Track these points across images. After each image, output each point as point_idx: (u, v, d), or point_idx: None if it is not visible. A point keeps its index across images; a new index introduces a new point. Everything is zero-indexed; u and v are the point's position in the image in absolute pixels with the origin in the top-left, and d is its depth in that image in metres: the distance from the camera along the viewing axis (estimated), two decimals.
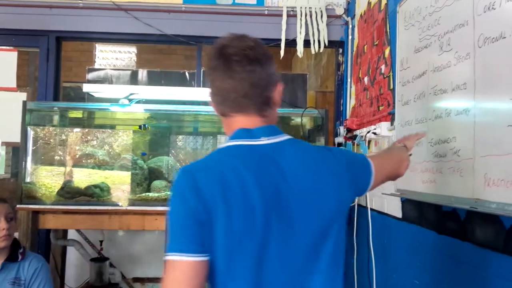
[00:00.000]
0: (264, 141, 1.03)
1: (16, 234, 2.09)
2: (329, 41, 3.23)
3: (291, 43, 3.23)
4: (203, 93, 3.20)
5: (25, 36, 3.28)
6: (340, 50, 3.34)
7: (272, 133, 1.06)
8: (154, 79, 3.64)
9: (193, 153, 3.32)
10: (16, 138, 3.12)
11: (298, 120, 2.85)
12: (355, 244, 2.52)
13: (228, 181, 0.96)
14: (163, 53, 6.25)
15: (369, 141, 2.38)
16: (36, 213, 2.58)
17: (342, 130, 2.88)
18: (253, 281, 0.96)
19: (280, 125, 3.14)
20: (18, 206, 2.51)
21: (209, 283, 0.98)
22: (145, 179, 2.96)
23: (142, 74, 3.62)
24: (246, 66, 1.02)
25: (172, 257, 0.91)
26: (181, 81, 3.63)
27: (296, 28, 3.21)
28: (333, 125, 3.20)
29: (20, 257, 1.99)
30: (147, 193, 2.84)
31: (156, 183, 2.92)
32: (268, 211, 0.96)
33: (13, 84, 3.24)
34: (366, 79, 2.71)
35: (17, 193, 2.67)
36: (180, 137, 3.54)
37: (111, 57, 6.60)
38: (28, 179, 2.77)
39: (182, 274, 0.92)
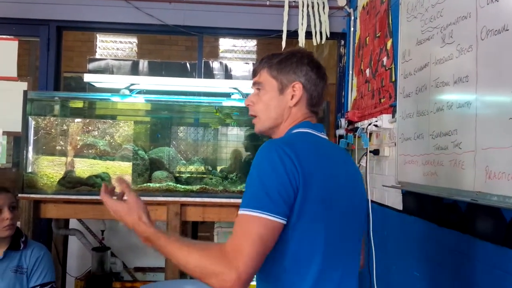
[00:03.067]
0: (324, 135, 1.22)
1: (18, 223, 2.10)
2: (331, 33, 3.22)
3: (292, 35, 3.22)
4: (204, 84, 3.20)
5: (26, 26, 3.27)
6: (342, 42, 3.33)
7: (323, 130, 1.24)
8: (155, 70, 3.64)
9: (193, 144, 3.32)
10: (17, 127, 3.12)
11: None
12: None
13: (323, 162, 1.10)
14: (164, 44, 6.21)
15: (370, 134, 2.39)
16: (37, 202, 2.59)
17: (343, 122, 2.88)
18: (324, 249, 1.06)
19: None
20: (19, 195, 2.52)
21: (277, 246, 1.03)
22: (146, 169, 2.96)
23: (143, 64, 3.62)
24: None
25: (262, 214, 0.98)
26: (182, 72, 3.63)
27: (298, 20, 3.20)
28: (334, 117, 3.20)
29: (22, 245, 2.00)
30: (148, 184, 2.85)
31: (157, 173, 2.92)
32: (350, 205, 1.14)
33: (14, 73, 3.23)
34: (367, 71, 2.70)
35: (18, 182, 2.68)
36: (181, 128, 3.54)
37: (112, 47, 6.57)
38: (29, 169, 2.78)
39: (269, 233, 0.98)
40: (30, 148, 2.80)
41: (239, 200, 2.65)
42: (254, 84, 1.27)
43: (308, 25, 3.20)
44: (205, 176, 3.09)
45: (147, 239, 1.12)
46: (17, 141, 3.28)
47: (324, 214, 1.06)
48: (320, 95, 1.23)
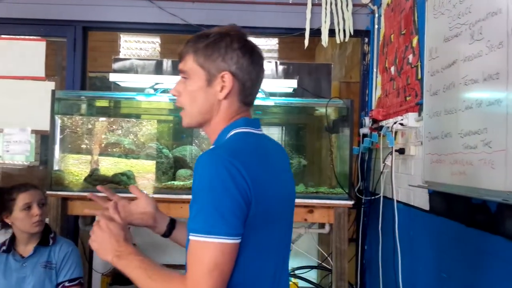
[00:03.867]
0: (261, 131, 1.14)
1: (46, 220, 2.15)
2: (354, 30, 3.19)
3: (315, 33, 3.20)
4: None
5: (53, 26, 3.34)
6: (366, 40, 3.29)
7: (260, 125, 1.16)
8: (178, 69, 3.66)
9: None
10: (45, 126, 3.20)
11: (322, 110, 2.83)
12: (380, 235, 2.51)
13: (266, 164, 1.05)
14: None
15: (396, 132, 2.35)
16: (65, 199, 2.64)
17: (367, 121, 2.85)
18: (277, 256, 1.07)
19: (304, 115, 3.11)
20: (48, 192, 2.57)
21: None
22: (170, 167, 2.99)
23: (167, 64, 3.65)
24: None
25: (218, 239, 0.91)
26: None
27: (321, 17, 3.18)
28: (358, 116, 3.17)
29: (51, 241, 2.05)
30: (173, 182, 2.88)
31: (182, 171, 2.95)
32: (289, 196, 1.15)
33: (41, 73, 3.31)
34: (392, 69, 2.67)
35: (46, 180, 2.74)
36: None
37: (135, 47, 6.66)
38: (56, 167, 2.84)
39: (226, 257, 0.93)
40: (57, 147, 2.86)
41: None
42: (180, 71, 1.13)
43: (331, 23, 3.17)
44: None
45: (121, 259, 1.07)
46: (44, 139, 3.36)
47: (273, 221, 1.04)
48: (254, 84, 1.11)
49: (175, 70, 3.63)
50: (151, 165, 2.98)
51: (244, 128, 1.08)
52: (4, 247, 2.02)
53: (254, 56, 1.09)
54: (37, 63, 3.33)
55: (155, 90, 3.00)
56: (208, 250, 0.91)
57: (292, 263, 2.94)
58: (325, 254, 2.87)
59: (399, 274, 2.15)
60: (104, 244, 1.10)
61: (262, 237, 1.00)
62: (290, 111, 3.17)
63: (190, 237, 0.94)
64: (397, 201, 2.26)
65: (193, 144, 3.32)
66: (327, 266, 2.85)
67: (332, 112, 2.83)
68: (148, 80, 3.04)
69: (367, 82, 3.23)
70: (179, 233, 1.34)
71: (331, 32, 3.18)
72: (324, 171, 3.08)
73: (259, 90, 1.16)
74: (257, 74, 1.11)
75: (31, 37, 3.37)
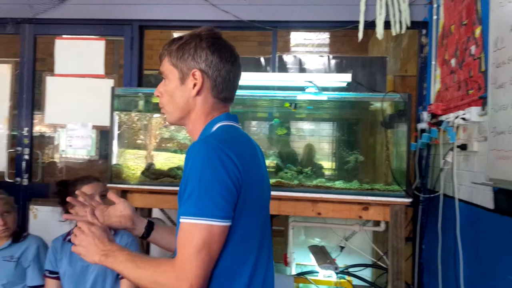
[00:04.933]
0: (240, 126, 1.21)
1: None
2: (411, 22, 3.08)
3: (369, 25, 3.12)
4: (279, 78, 3.21)
5: (111, 26, 3.48)
6: (424, 31, 3.17)
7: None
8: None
9: (267, 138, 3.34)
10: (104, 122, 3.34)
11: (377, 105, 2.76)
12: (439, 234, 2.41)
13: (249, 150, 1.12)
14: (236, 40, 6.28)
15: (457, 127, 2.25)
16: (124, 192, 2.75)
17: (425, 115, 2.74)
18: (253, 240, 1.09)
19: (357, 110, 3.04)
20: (108, 185, 2.69)
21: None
22: None
23: None
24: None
25: (208, 221, 0.96)
26: (255, 67, 3.65)
27: (376, 9, 3.09)
28: (415, 111, 3.07)
29: (113, 232, 2.13)
30: None
31: None
32: (267, 187, 1.20)
33: (101, 71, 3.46)
34: (453, 61, 2.55)
35: (106, 173, 2.86)
36: (254, 122, 3.58)
37: None
38: (115, 161, 2.95)
39: (215, 239, 0.98)
40: (115, 142, 2.97)
41: (315, 195, 2.63)
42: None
43: (387, 15, 3.08)
44: (279, 170, 3.10)
45: (108, 257, 1.11)
46: (104, 134, 3.51)
47: (258, 209, 1.10)
48: (226, 80, 1.15)
49: None
50: None
51: (227, 122, 1.16)
52: (69, 237, 2.13)
53: (224, 54, 1.15)
54: (97, 61, 3.48)
55: None
56: (197, 232, 0.96)
57: (346, 261, 2.90)
58: (381, 252, 2.80)
59: (460, 275, 2.06)
60: (90, 247, 1.15)
61: (247, 223, 1.05)
62: (344, 106, 3.12)
63: (181, 220, 0.99)
64: (459, 200, 2.17)
65: None
66: (382, 264, 2.78)
67: (388, 106, 2.75)
68: None
69: (424, 75, 3.11)
70: (157, 235, 1.38)
71: (386, 24, 3.09)
72: (379, 167, 3.00)
73: (237, 86, 1.22)
74: (228, 71, 1.16)
75: (91, 36, 3.52)
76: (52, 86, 3.51)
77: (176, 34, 6.45)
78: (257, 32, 3.78)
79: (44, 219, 3.38)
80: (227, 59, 1.16)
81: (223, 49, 1.16)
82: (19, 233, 2.28)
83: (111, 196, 1.38)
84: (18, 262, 2.21)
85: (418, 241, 2.93)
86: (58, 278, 2.06)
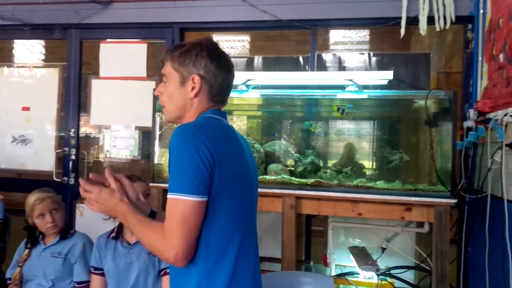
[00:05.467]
0: (226, 121, 1.33)
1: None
2: (456, 17, 2.97)
3: (411, 21, 3.04)
4: (319, 76, 3.17)
5: (153, 29, 3.56)
6: (469, 26, 3.04)
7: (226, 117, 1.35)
8: (268, 65, 3.70)
9: (307, 138, 3.32)
10: (147, 123, 3.43)
11: (420, 103, 2.68)
12: (487, 237, 2.31)
13: (227, 138, 1.24)
14: (275, 40, 6.32)
15: (506, 125, 2.15)
16: (165, 191, 2.80)
17: (472, 113, 2.64)
18: (238, 220, 1.21)
19: (399, 108, 2.96)
20: (151, 184, 2.75)
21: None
22: (261, 162, 3.04)
23: (258, 60, 3.71)
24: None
25: (182, 196, 1.11)
26: (294, 66, 3.64)
27: (419, 4, 3.00)
28: (461, 108, 2.95)
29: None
30: (264, 176, 2.91)
31: (273, 166, 2.98)
32: (252, 169, 1.32)
33: (143, 73, 3.55)
34: (501, 56, 2.44)
35: (148, 173, 2.93)
36: (295, 122, 3.56)
37: (226, 46, 6.87)
38: (156, 161, 3.02)
39: (191, 212, 1.11)
40: (156, 142, 3.04)
41: (354, 195, 2.60)
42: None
43: (430, 10, 2.98)
44: (318, 169, 3.08)
45: (123, 216, 1.23)
46: (146, 135, 3.60)
47: (238, 189, 1.21)
48: (221, 86, 1.30)
49: (265, 66, 3.67)
50: None
51: (213, 115, 1.28)
52: (113, 234, 2.20)
53: (221, 63, 1.29)
54: (139, 64, 3.57)
55: (247, 86, 3.06)
56: (176, 206, 1.12)
57: (388, 262, 2.83)
58: (424, 254, 2.72)
59: (510, 280, 1.97)
60: (105, 206, 1.26)
61: (229, 203, 1.18)
62: (385, 104, 3.05)
63: (167, 196, 1.14)
64: (508, 201, 2.07)
65: (281, 139, 3.33)
66: (426, 267, 2.70)
67: (432, 104, 2.67)
68: (240, 76, 3.11)
69: (470, 71, 2.99)
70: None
71: (430, 20, 2.99)
72: (422, 167, 2.91)
73: (230, 91, 1.35)
74: (224, 78, 1.30)
75: (134, 40, 3.62)
76: (97, 88, 3.64)
77: (215, 36, 6.54)
78: (295, 31, 3.77)
79: (89, 217, 3.51)
80: (224, 68, 1.30)
81: (220, 58, 1.30)
82: (66, 230, 2.37)
83: (108, 175, 1.34)
84: (66, 258, 2.30)
85: (463, 244, 2.82)
86: (103, 275, 2.13)
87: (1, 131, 3.82)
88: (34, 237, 2.35)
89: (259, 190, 2.69)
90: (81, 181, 1.27)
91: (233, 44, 6.88)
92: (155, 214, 1.44)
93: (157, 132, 3.05)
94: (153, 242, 1.15)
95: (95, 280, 2.15)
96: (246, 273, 1.23)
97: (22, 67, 3.87)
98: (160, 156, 3.06)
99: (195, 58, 1.27)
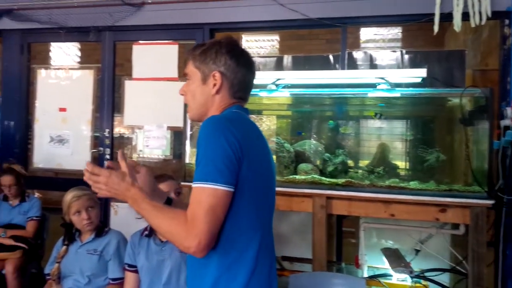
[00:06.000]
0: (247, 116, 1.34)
1: None
2: (492, 12, 2.87)
3: (445, 18, 2.96)
4: (350, 75, 3.14)
5: (183, 30, 3.61)
6: (507, 22, 2.94)
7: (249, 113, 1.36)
8: (298, 64, 3.68)
9: (337, 137, 3.29)
10: (178, 123, 3.48)
11: (455, 101, 2.61)
12: None
13: (253, 134, 1.26)
14: (304, 39, 6.29)
15: None
16: None
17: (509, 112, 2.55)
18: (260, 215, 1.23)
19: (433, 106, 2.88)
20: (182, 183, 2.79)
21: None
22: (291, 162, 3.03)
23: (287, 60, 3.69)
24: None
25: (211, 185, 1.10)
26: (324, 65, 3.61)
27: (453, 0, 2.92)
28: (498, 107, 2.86)
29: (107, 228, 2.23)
30: (294, 175, 2.91)
31: (303, 166, 2.97)
32: (273, 167, 1.34)
33: (175, 74, 3.60)
34: None
35: (180, 172, 2.97)
36: (322, 121, 3.54)
37: (255, 46, 6.89)
38: (187, 160, 3.06)
39: (219, 201, 1.11)
40: (188, 142, 3.08)
41: (387, 195, 2.56)
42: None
43: (465, 5, 2.90)
44: (349, 169, 3.04)
45: (135, 201, 1.21)
46: (177, 135, 3.66)
47: (261, 184, 1.22)
48: (242, 82, 1.31)
49: (295, 65, 3.66)
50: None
51: (237, 110, 1.29)
52: (146, 232, 2.24)
53: (241, 60, 1.31)
54: (170, 65, 3.63)
55: (277, 85, 3.06)
56: (204, 194, 1.10)
57: (422, 265, 2.77)
58: (460, 257, 2.65)
59: None
60: (116, 189, 1.24)
61: (251, 197, 1.18)
62: (418, 103, 2.99)
63: (192, 185, 1.14)
64: None
65: (311, 139, 3.32)
66: (461, 270, 2.62)
67: (467, 102, 2.59)
68: (269, 76, 3.11)
69: (508, 68, 2.89)
70: None
71: (465, 16, 2.91)
72: (458, 167, 2.83)
73: (251, 88, 1.36)
74: (244, 74, 1.31)
75: (165, 41, 3.68)
76: (130, 89, 3.72)
77: (245, 36, 6.57)
78: (325, 29, 3.74)
79: (123, 215, 3.59)
80: (243, 64, 1.31)
81: (240, 55, 1.32)
82: (101, 228, 2.43)
83: (121, 158, 1.32)
84: (101, 256, 2.36)
85: (501, 246, 2.73)
86: (136, 271, 2.17)
87: (39, 131, 3.96)
88: (71, 234, 2.42)
89: (289, 189, 2.72)
90: (88, 164, 1.25)
91: (263, 44, 6.89)
92: (171, 201, 1.43)
93: (188, 132, 3.08)
94: (173, 229, 1.13)
95: (129, 277, 2.19)
96: (264, 268, 1.22)
97: (59, 69, 4.00)
98: (191, 155, 3.10)
99: (215, 55, 1.29)
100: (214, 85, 1.29)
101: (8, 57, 4.02)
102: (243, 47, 1.36)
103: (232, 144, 1.13)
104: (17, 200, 3.28)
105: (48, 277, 2.38)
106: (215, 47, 1.30)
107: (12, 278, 2.96)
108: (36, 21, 3.80)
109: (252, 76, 1.36)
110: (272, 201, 1.34)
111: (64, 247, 2.39)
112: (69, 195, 2.38)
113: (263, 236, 1.22)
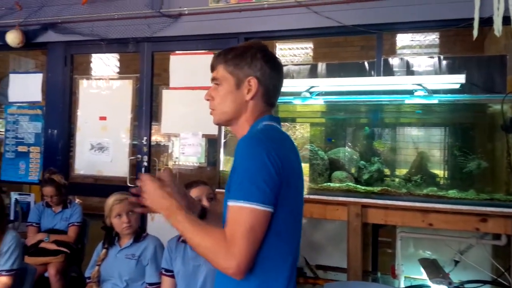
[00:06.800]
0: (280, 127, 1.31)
1: None
2: None
3: (485, 22, 2.88)
4: (386, 82, 3.10)
5: (218, 40, 3.68)
6: None
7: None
8: (332, 72, 3.67)
9: (371, 144, 3.25)
10: (213, 131, 3.53)
11: (496, 107, 2.53)
12: None
13: (288, 147, 1.24)
14: (339, 46, 6.25)
15: None
16: None
17: None
18: (295, 236, 1.22)
19: (472, 113, 2.80)
20: (217, 190, 2.82)
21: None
22: (326, 169, 3.02)
23: (321, 67, 3.69)
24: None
25: (252, 205, 1.08)
26: (359, 72, 3.58)
27: (493, 4, 2.84)
28: None
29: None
30: (328, 183, 2.89)
31: (337, 173, 2.95)
32: (301, 187, 1.28)
33: (210, 83, 3.66)
34: None
35: (214, 178, 3.01)
36: (357, 128, 3.50)
37: (289, 54, 6.90)
38: (221, 167, 3.09)
39: (260, 222, 1.10)
40: (221, 149, 3.11)
41: (424, 204, 2.50)
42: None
43: (506, 9, 2.81)
44: (385, 177, 2.99)
45: (171, 213, 1.19)
46: (211, 143, 3.71)
47: (296, 200, 1.20)
48: (275, 88, 1.30)
49: (329, 73, 3.64)
50: (305, 166, 3.04)
51: (271, 122, 1.27)
52: (182, 238, 2.28)
53: (275, 64, 1.29)
54: (206, 74, 3.68)
55: (311, 93, 3.06)
56: (244, 214, 1.08)
57: (461, 276, 2.68)
58: (502, 269, 2.55)
59: None
60: (155, 201, 1.25)
61: (289, 215, 1.17)
62: (457, 109, 2.91)
63: (230, 203, 1.11)
64: None
65: (346, 147, 3.29)
66: (504, 282, 2.52)
67: (509, 109, 2.51)
68: (303, 83, 3.11)
69: None
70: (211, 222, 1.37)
71: (506, 20, 2.82)
72: (499, 175, 2.73)
73: (280, 93, 1.33)
74: (278, 79, 1.30)
75: (201, 51, 3.75)
76: (167, 98, 3.81)
77: (279, 44, 6.60)
78: (360, 36, 3.72)
79: (160, 221, 3.66)
80: (277, 69, 1.30)
81: (273, 60, 1.30)
82: (139, 233, 2.50)
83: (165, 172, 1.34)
84: (139, 260, 2.42)
85: None
86: (173, 276, 2.22)
87: (81, 139, 4.11)
88: (111, 237, 2.50)
89: (323, 197, 2.70)
90: (142, 175, 1.27)
91: (296, 52, 6.90)
92: (206, 211, 1.42)
93: (222, 140, 3.12)
94: (211, 247, 1.11)
95: (166, 282, 2.23)
96: (292, 284, 1.20)
97: (99, 79, 4.15)
98: (225, 163, 3.14)
99: (250, 60, 1.25)
100: (249, 90, 1.25)
101: (52, 68, 4.21)
102: (272, 52, 1.33)
103: (274, 163, 1.11)
104: (59, 207, 3.41)
105: (88, 280, 2.46)
106: (249, 51, 1.27)
107: (55, 280, 3.07)
108: (79, 33, 3.97)
109: (282, 81, 1.34)
110: (302, 213, 1.31)
111: (104, 250, 2.47)
112: (112, 199, 2.47)
113: (296, 251, 1.21)
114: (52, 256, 3.15)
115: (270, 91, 1.28)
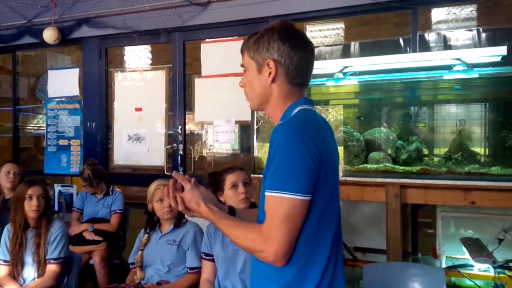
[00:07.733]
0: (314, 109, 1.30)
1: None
2: None
3: None
4: (422, 58, 3.00)
5: (248, 25, 3.66)
6: None
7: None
8: (366, 50, 3.60)
9: (408, 123, 3.16)
10: (246, 117, 3.53)
11: None
12: None
13: (326, 133, 1.23)
14: (371, 24, 6.08)
15: None
16: None
17: None
18: (336, 223, 1.23)
19: None
20: (252, 175, 2.84)
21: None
22: (362, 150, 2.97)
23: (354, 47, 3.62)
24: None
25: (290, 195, 1.09)
26: (394, 49, 3.49)
27: None
28: None
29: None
30: (365, 164, 2.85)
31: (374, 154, 2.90)
32: (337, 169, 1.28)
33: (241, 69, 3.65)
34: None
35: (249, 164, 3.03)
36: (393, 107, 3.42)
37: (319, 35, 6.78)
38: (255, 153, 3.10)
39: (297, 211, 1.11)
40: (255, 135, 3.12)
41: (466, 182, 2.42)
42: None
43: None
44: (424, 156, 2.92)
45: (210, 217, 1.24)
46: (243, 129, 3.72)
47: (333, 185, 1.20)
48: (298, 66, 1.25)
49: (362, 52, 3.57)
50: (340, 149, 3.00)
51: (305, 106, 1.25)
52: None
53: (296, 43, 1.25)
54: (237, 60, 3.68)
55: (344, 74, 3.00)
56: (282, 204, 1.10)
57: (506, 255, 2.60)
58: None
59: None
60: (192, 198, 1.29)
61: (325, 202, 1.16)
62: (498, 83, 2.78)
63: (268, 193, 1.12)
64: None
65: (381, 127, 3.22)
66: None
67: None
68: (336, 64, 3.06)
69: None
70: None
71: None
72: None
73: (310, 72, 1.30)
74: (300, 57, 1.25)
75: (231, 38, 3.74)
76: (200, 87, 3.84)
77: (309, 26, 6.50)
78: (393, 13, 3.60)
79: None
80: (298, 47, 1.25)
81: (294, 38, 1.26)
82: (179, 219, 2.56)
83: (179, 179, 1.35)
84: (179, 246, 2.49)
85: None
86: (213, 260, 2.26)
87: (118, 130, 4.22)
88: (152, 222, 2.57)
89: (360, 179, 2.67)
90: (175, 174, 1.31)
91: (327, 33, 6.77)
92: (234, 209, 1.44)
93: (255, 126, 3.12)
94: (251, 242, 1.15)
95: (206, 266, 2.28)
96: (331, 266, 1.21)
97: (133, 71, 4.23)
98: (259, 148, 3.14)
99: (268, 43, 1.24)
100: (270, 74, 1.25)
101: (87, 63, 4.32)
102: (297, 29, 1.29)
103: (312, 152, 1.11)
104: (102, 194, 3.53)
105: (132, 266, 2.54)
106: (267, 34, 1.26)
107: (100, 267, 3.20)
108: (112, 27, 4.05)
109: (310, 58, 1.29)
110: (339, 197, 1.31)
111: (146, 235, 2.55)
112: (154, 184, 2.57)
113: (335, 236, 1.22)
114: (96, 245, 3.28)
115: (292, 70, 1.25)
